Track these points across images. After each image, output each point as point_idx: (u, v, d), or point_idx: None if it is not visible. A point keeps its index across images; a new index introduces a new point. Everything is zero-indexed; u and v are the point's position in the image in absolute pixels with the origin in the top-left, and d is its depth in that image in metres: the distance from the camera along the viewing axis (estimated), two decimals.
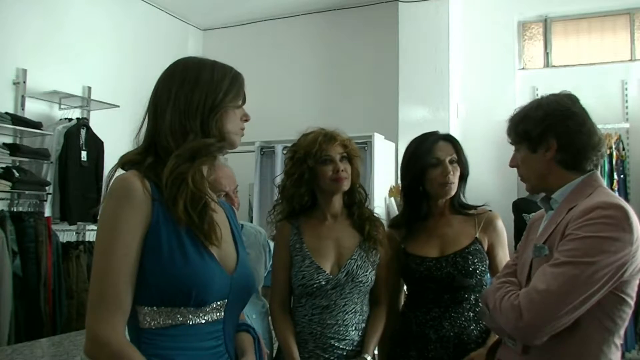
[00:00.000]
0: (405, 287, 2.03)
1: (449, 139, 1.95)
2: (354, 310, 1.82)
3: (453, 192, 1.90)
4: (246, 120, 1.29)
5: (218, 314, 1.19)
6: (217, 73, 1.23)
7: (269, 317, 2.10)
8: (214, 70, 1.23)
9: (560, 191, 1.44)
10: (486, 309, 1.48)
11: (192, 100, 1.19)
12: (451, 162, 1.89)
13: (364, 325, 1.83)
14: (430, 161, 1.87)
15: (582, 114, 1.45)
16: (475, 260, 1.83)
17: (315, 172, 1.84)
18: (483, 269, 1.85)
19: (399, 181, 2.07)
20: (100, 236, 1.12)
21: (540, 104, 1.49)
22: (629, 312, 1.34)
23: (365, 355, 1.78)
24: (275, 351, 1.99)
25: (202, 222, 1.15)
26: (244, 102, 1.29)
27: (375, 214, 1.97)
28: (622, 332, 1.35)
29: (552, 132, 1.43)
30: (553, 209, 1.47)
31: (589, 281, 1.25)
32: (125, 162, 1.21)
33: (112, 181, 1.15)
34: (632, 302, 1.34)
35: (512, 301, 1.34)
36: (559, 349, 1.32)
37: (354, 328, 1.80)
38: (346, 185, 1.85)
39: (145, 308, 1.12)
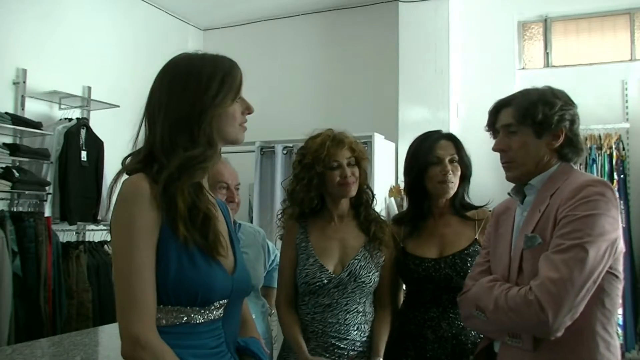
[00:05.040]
0: (404, 287, 2.03)
1: (451, 138, 1.95)
2: (356, 310, 1.82)
3: (452, 192, 1.90)
4: (249, 113, 1.27)
5: (218, 313, 1.20)
6: (206, 74, 1.20)
7: (269, 317, 2.11)
8: (202, 73, 1.20)
9: (539, 177, 1.45)
10: (481, 313, 1.42)
11: (181, 111, 1.18)
12: (451, 161, 1.89)
13: (366, 326, 1.83)
14: (430, 159, 1.88)
15: None
16: (474, 262, 1.83)
17: (323, 177, 1.85)
18: None
19: (399, 181, 2.07)
20: (118, 240, 1.12)
21: (553, 92, 1.48)
22: (621, 289, 1.37)
23: (378, 359, 1.78)
24: (278, 350, 1.99)
25: (206, 237, 1.15)
26: (238, 94, 1.24)
27: (382, 216, 1.98)
28: (620, 311, 1.36)
29: (565, 122, 1.44)
30: (527, 196, 1.48)
31: (596, 260, 1.26)
32: (129, 171, 1.20)
33: (121, 185, 1.15)
34: (622, 278, 1.37)
35: (526, 296, 1.28)
36: (566, 338, 1.28)
37: (355, 328, 1.81)
38: (354, 191, 1.87)
39: None
